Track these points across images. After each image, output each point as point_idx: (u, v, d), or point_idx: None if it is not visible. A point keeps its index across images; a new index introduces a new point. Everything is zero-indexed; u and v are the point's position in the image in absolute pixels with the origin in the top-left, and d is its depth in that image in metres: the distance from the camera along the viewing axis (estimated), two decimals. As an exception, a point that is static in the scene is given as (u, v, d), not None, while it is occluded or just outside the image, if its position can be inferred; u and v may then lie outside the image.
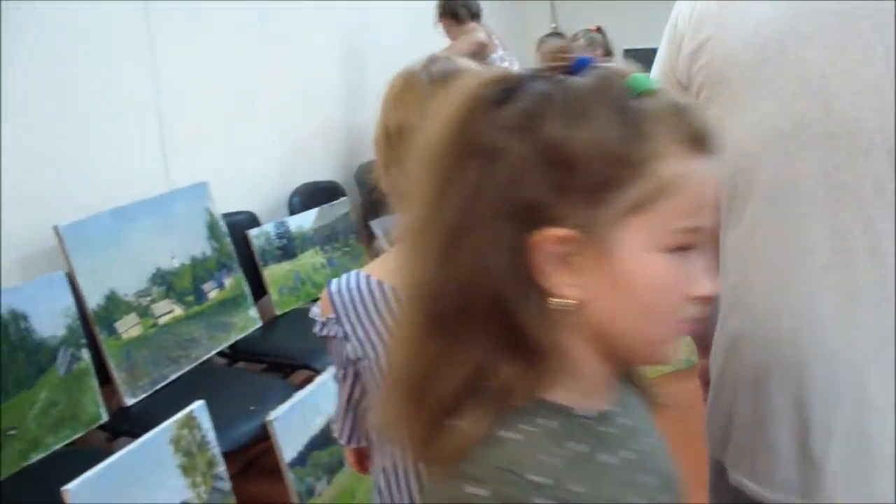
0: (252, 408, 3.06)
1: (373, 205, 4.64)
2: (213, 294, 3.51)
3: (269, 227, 3.97)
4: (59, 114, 3.13)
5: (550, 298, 0.86)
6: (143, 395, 3.10)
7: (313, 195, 4.38)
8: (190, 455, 2.60)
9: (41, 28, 3.05)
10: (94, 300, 3.01)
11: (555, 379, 0.89)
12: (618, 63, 0.93)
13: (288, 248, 4.03)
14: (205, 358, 3.40)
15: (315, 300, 3.84)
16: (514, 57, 4.69)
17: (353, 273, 1.53)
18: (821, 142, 1.25)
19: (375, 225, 4.56)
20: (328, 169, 4.81)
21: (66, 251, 2.96)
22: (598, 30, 5.28)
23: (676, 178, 0.84)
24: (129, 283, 3.17)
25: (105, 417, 2.98)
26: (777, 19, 1.29)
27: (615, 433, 0.94)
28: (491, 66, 4.42)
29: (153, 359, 3.18)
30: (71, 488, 2.20)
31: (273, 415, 2.95)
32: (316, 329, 1.54)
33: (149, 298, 3.22)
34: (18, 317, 2.73)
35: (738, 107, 1.33)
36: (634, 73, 0.88)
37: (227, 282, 3.60)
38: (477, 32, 4.61)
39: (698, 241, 0.88)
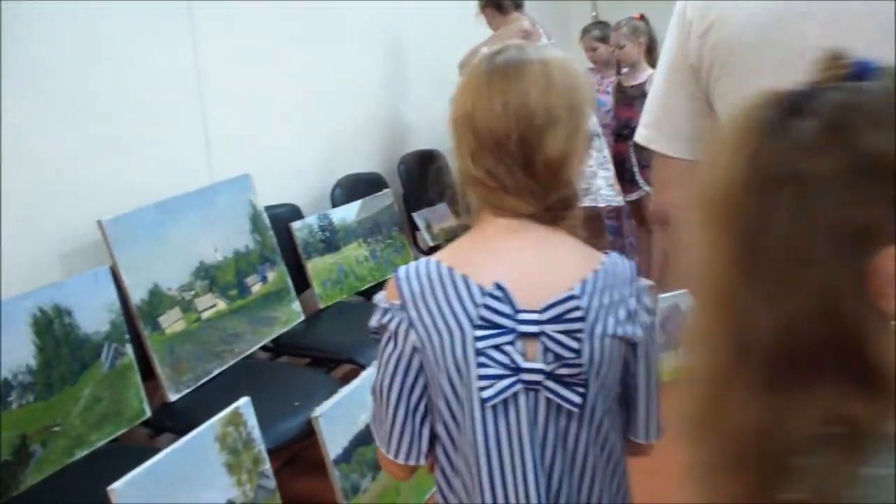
0: (296, 404, 3.01)
1: (415, 196, 4.60)
2: (256, 288, 3.47)
3: (311, 220, 3.92)
4: (103, 107, 3.09)
5: (892, 322, 0.77)
6: (187, 391, 3.06)
7: (356, 187, 4.32)
8: (235, 453, 2.56)
9: (85, 22, 3.01)
10: (137, 295, 2.97)
11: None
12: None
13: (331, 240, 3.98)
14: (248, 352, 3.36)
15: (358, 293, 3.83)
16: (558, 46, 4.60)
17: (423, 260, 1.46)
18: None
19: (418, 217, 4.52)
20: (370, 161, 4.75)
21: (110, 245, 2.92)
22: (641, 17, 5.19)
23: None
24: (173, 278, 3.12)
25: (148, 413, 2.94)
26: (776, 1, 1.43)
27: None
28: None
29: (196, 354, 3.14)
30: (117, 487, 2.16)
31: (318, 411, 2.90)
32: (375, 318, 1.48)
33: (192, 293, 3.18)
34: (63, 312, 2.70)
35: (744, 81, 1.46)
36: None
37: (271, 275, 3.56)
38: (521, 21, 4.52)
39: None
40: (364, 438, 3.08)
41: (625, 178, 4.99)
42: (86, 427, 2.72)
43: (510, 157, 1.39)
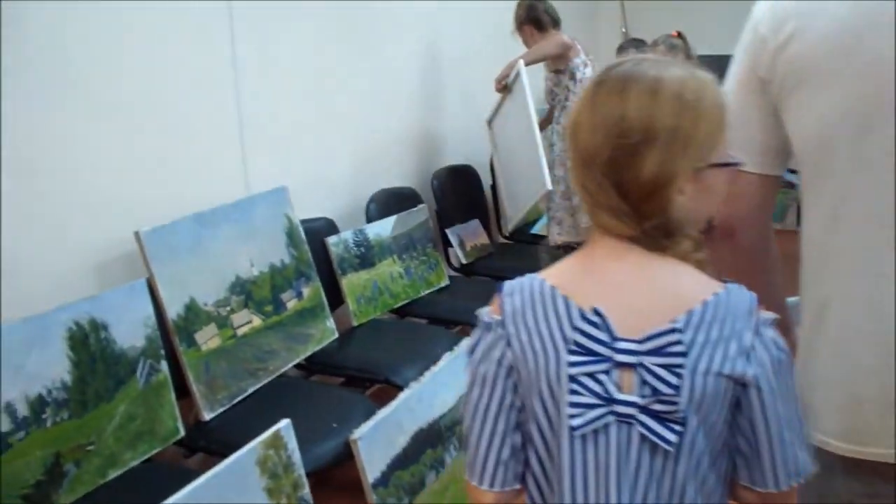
0: (334, 425, 2.91)
1: (447, 212, 4.51)
2: (291, 304, 3.38)
3: (347, 235, 3.82)
4: (139, 117, 3.01)
5: None
6: (221, 410, 2.97)
7: (390, 202, 4.24)
8: (276, 477, 2.46)
9: (125, 32, 2.93)
10: (173, 310, 2.88)
11: None
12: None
13: (366, 256, 3.88)
14: (282, 371, 3.26)
15: (392, 311, 3.73)
16: (594, 62, 4.51)
17: (529, 276, 1.40)
18: (890, 121, 1.41)
19: (451, 233, 4.42)
20: (404, 175, 4.68)
21: (147, 257, 2.83)
22: (679, 35, 5.08)
23: None
24: (209, 292, 3.03)
25: (182, 432, 2.84)
26: (851, 14, 1.45)
27: None
28: (574, 70, 4.24)
29: (231, 371, 3.04)
30: (157, 514, 2.05)
31: (357, 433, 2.80)
32: (475, 333, 1.45)
33: (228, 308, 3.09)
34: (99, 326, 2.61)
35: (818, 95, 1.50)
36: None
37: (306, 291, 3.46)
38: (562, 36, 4.44)
39: None
40: (401, 462, 2.98)
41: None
42: (119, 446, 2.62)
43: (602, 173, 1.30)
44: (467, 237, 4.69)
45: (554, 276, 1.38)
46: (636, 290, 1.32)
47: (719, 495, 1.35)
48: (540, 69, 4.81)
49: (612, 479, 1.28)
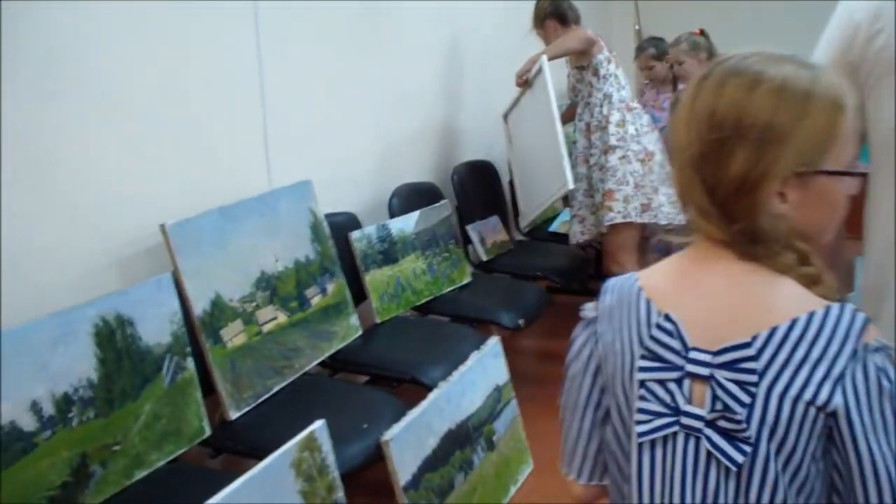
0: (364, 426, 2.81)
1: (467, 208, 4.42)
2: (315, 300, 3.28)
3: (370, 230, 3.73)
4: (162, 110, 2.91)
5: None
6: (248, 408, 2.87)
7: (412, 197, 4.14)
8: (311, 480, 2.37)
9: (152, 27, 2.84)
10: (199, 305, 2.78)
11: None
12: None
13: (389, 252, 3.79)
14: (307, 368, 3.16)
15: (414, 308, 3.64)
16: (617, 58, 4.42)
17: (629, 274, 1.36)
18: None
19: (472, 230, 4.33)
20: (424, 171, 4.60)
21: (173, 251, 2.73)
22: (702, 32, 5.01)
23: None
24: (234, 288, 2.94)
25: (208, 432, 2.74)
26: None
27: None
28: (598, 66, 4.15)
29: (257, 369, 2.94)
30: (193, 519, 1.96)
31: (388, 435, 2.72)
32: (574, 332, 1.41)
33: (253, 304, 2.99)
34: (125, 322, 2.51)
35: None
36: None
37: (330, 287, 3.37)
38: (585, 31, 4.34)
39: None
40: (431, 464, 2.90)
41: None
42: (146, 446, 2.53)
43: (692, 170, 1.23)
44: (487, 234, 4.60)
45: (647, 275, 1.33)
46: (719, 298, 1.24)
47: None
48: (560, 66, 4.72)
49: (677, 491, 1.23)
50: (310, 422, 2.45)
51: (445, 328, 3.83)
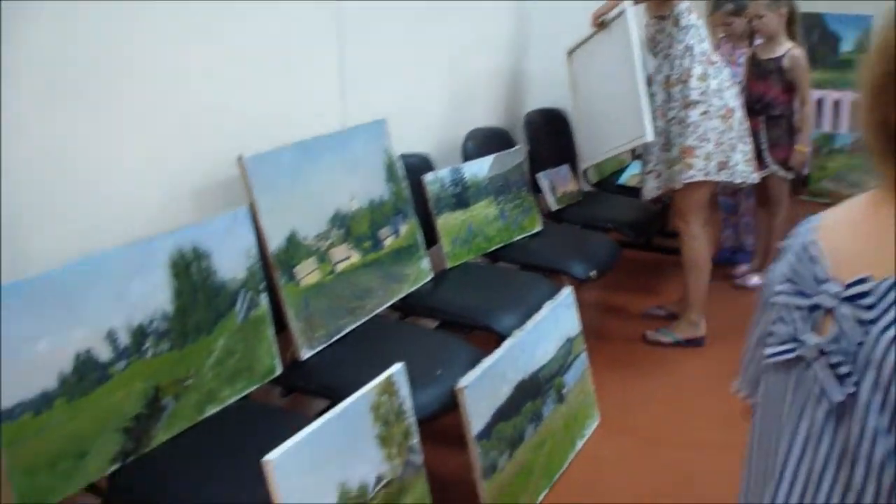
0: (439, 372, 2.72)
1: (539, 156, 4.30)
2: (388, 241, 3.19)
3: (444, 173, 3.62)
4: (244, 44, 2.82)
5: None
6: (319, 348, 2.79)
7: (486, 141, 4.02)
8: (387, 424, 2.29)
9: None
10: (275, 241, 2.69)
11: None
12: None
13: (462, 196, 3.68)
14: (378, 310, 3.08)
15: (485, 254, 3.54)
16: (697, 9, 4.23)
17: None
18: None
19: (543, 177, 4.22)
20: (497, 116, 4.46)
21: (250, 185, 2.65)
22: (782, -13, 4.79)
23: None
24: (309, 225, 2.85)
25: (279, 370, 2.67)
26: None
27: None
28: (678, 16, 3.97)
29: (330, 309, 2.87)
30: (273, 459, 1.89)
31: (463, 382, 2.64)
32: None
33: (327, 242, 2.90)
34: (201, 255, 2.43)
35: None
36: None
37: (403, 229, 3.27)
38: None
39: None
40: (504, 414, 2.81)
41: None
42: (218, 381, 2.46)
43: (868, 109, 1.16)
44: (557, 182, 4.47)
45: (831, 209, 1.30)
46: (869, 237, 1.20)
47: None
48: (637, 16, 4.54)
49: (791, 419, 1.21)
50: (382, 365, 2.37)
51: (517, 276, 3.73)
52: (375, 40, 3.46)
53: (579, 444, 3.33)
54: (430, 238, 3.52)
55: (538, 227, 4.10)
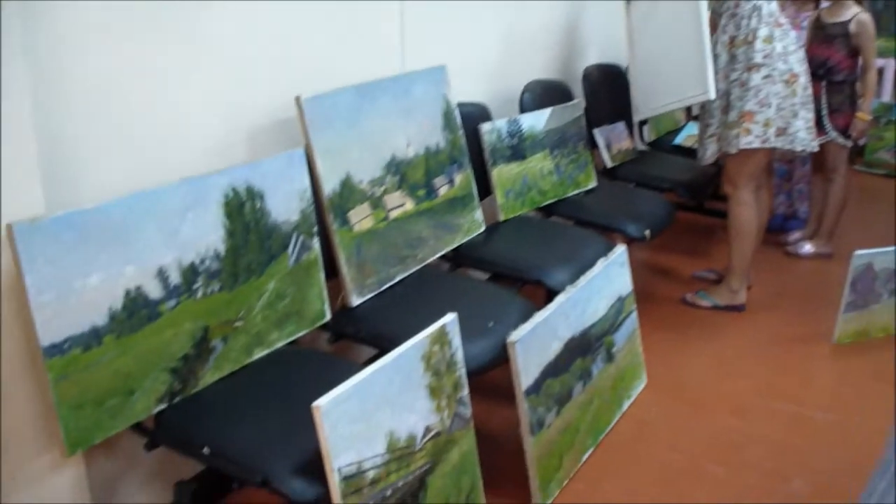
0: (490, 325, 2.64)
1: (595, 112, 4.18)
2: (443, 190, 3.10)
3: (501, 124, 3.52)
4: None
5: None
6: (370, 296, 2.72)
7: (543, 94, 3.91)
8: (438, 375, 2.21)
9: None
10: (329, 185, 2.61)
11: None
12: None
13: (518, 148, 3.58)
14: (429, 260, 3.00)
15: (539, 208, 3.44)
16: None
17: None
18: None
19: (599, 134, 4.10)
20: (556, 69, 4.35)
21: (307, 126, 2.57)
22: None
23: None
24: (364, 170, 2.77)
25: (328, 316, 2.60)
26: None
27: None
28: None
29: (382, 256, 2.79)
30: (322, 405, 1.82)
31: (514, 336, 2.56)
32: None
33: (382, 188, 2.82)
34: (255, 195, 2.35)
35: None
36: None
37: (458, 178, 3.18)
38: None
39: None
40: (553, 370, 2.73)
41: (812, 121, 4.49)
42: (267, 324, 2.40)
43: None
44: (613, 140, 4.35)
45: None
46: None
47: None
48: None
49: None
50: (432, 315, 2.29)
51: (570, 232, 3.63)
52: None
53: (626, 405, 3.25)
54: (484, 189, 3.43)
55: (593, 184, 4.00)
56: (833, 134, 4.59)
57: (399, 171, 2.90)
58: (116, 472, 2.45)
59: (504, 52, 3.94)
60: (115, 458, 2.42)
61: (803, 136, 3.79)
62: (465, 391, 2.33)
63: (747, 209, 3.94)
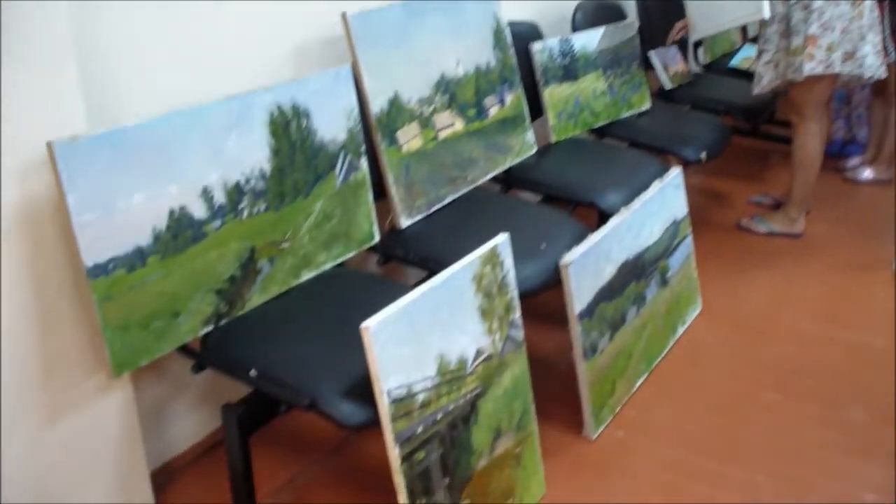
0: (543, 246, 2.55)
1: (650, 34, 4.02)
2: (493, 110, 2.99)
3: (553, 43, 3.39)
4: None
5: None
6: (419, 217, 2.63)
7: (596, 13, 3.76)
8: (490, 297, 2.12)
9: None
10: (377, 103, 2.52)
11: None
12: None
13: (570, 68, 3.45)
14: (480, 181, 2.90)
15: (591, 130, 3.32)
16: None
17: None
18: None
19: (654, 55, 3.96)
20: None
21: (353, 43, 2.47)
22: None
23: None
24: (413, 88, 2.67)
25: (377, 238, 2.52)
26: None
27: None
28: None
29: (431, 177, 2.70)
30: (371, 326, 1.74)
31: (567, 258, 2.46)
32: None
33: (431, 108, 2.72)
34: (301, 113, 2.26)
35: None
36: None
37: (508, 98, 3.07)
38: None
39: None
40: (607, 294, 2.64)
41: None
42: (314, 246, 2.32)
43: None
44: (668, 62, 4.19)
45: None
46: None
47: None
48: None
49: None
50: (483, 238, 2.19)
51: (624, 154, 3.51)
52: None
53: (680, 331, 3.16)
54: (535, 110, 3.31)
55: (647, 105, 3.86)
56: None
57: (448, 90, 2.79)
58: (165, 395, 2.41)
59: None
60: (164, 381, 2.39)
61: (871, 62, 3.58)
62: (517, 314, 2.24)
63: (814, 140, 3.77)
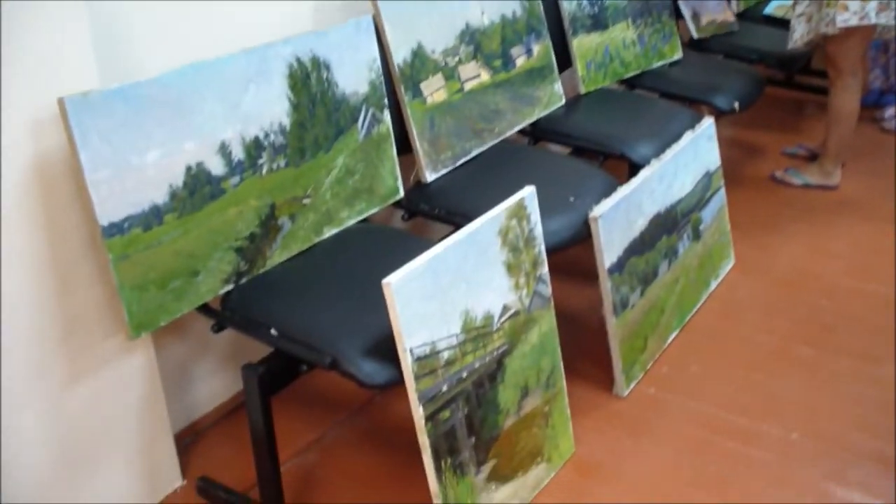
0: (571, 199, 2.47)
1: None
2: (520, 61, 2.90)
3: (581, -9, 3.28)
4: None
5: None
6: (445, 171, 2.56)
7: (626, -40, 3.62)
8: (516, 251, 2.06)
9: None
10: (400, 54, 2.44)
11: None
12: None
13: (599, 17, 3.34)
14: (507, 134, 2.82)
15: (621, 80, 3.22)
16: None
17: None
18: None
19: (685, 4, 3.83)
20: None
21: (375, -8, 2.38)
22: None
23: None
24: (437, 39, 2.58)
25: (401, 193, 2.45)
26: None
27: None
28: None
29: (457, 130, 2.62)
30: (393, 281, 1.68)
31: (597, 211, 2.39)
32: None
33: (456, 59, 2.63)
34: (321, 65, 2.19)
35: None
36: None
37: (536, 48, 2.97)
38: None
39: None
40: (638, 248, 2.56)
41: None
42: (336, 202, 2.26)
43: None
44: (704, 11, 4.05)
45: None
46: None
47: None
48: None
49: None
50: (510, 192, 2.12)
51: (654, 104, 3.41)
52: None
53: (713, 285, 3.08)
54: (563, 61, 3.21)
55: (678, 55, 3.74)
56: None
57: (474, 40, 2.70)
58: (186, 356, 2.37)
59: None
60: (185, 341, 2.35)
61: None
62: (545, 269, 2.17)
63: (851, 94, 3.65)
